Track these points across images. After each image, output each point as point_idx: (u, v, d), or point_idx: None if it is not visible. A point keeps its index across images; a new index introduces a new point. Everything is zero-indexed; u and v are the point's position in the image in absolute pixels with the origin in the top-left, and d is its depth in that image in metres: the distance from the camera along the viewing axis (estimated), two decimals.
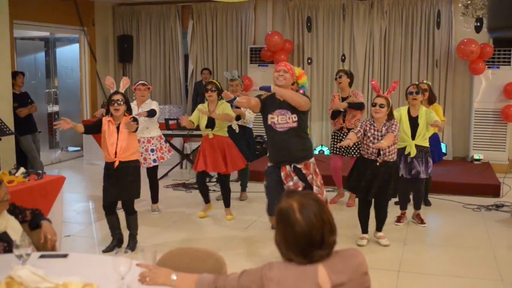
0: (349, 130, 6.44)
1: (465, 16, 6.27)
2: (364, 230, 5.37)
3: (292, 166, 4.58)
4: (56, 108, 10.66)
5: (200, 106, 6.15)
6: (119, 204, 5.19)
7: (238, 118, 6.74)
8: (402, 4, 9.10)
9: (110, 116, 5.03)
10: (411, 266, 4.80)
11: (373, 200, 5.27)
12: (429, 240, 5.67)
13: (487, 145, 8.75)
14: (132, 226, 5.23)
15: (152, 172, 6.35)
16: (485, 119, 8.74)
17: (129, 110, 5.09)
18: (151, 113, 6.08)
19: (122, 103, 4.94)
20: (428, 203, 6.67)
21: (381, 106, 5.02)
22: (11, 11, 7.31)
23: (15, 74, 7.65)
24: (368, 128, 5.12)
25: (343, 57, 9.38)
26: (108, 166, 5.03)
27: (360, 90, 9.26)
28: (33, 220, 3.38)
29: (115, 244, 5.23)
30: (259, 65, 9.71)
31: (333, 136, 6.70)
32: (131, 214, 5.19)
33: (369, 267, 2.09)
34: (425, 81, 6.44)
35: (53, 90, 10.67)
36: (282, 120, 4.53)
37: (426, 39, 9.03)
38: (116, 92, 4.99)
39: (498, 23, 1.50)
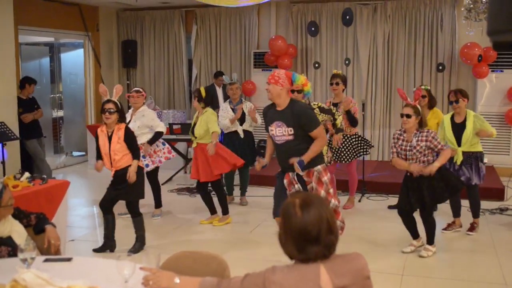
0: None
1: (467, 20, 6.26)
2: (415, 236, 5.21)
3: (295, 173, 4.57)
4: (60, 113, 10.71)
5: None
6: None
7: (242, 122, 6.74)
8: (405, 8, 9.11)
9: (104, 125, 5.07)
10: (414, 270, 4.79)
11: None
12: None
13: (491, 148, 8.71)
14: (137, 228, 5.28)
15: (152, 175, 6.35)
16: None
17: (122, 118, 5.11)
18: (153, 140, 6.18)
19: (113, 112, 4.96)
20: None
21: (407, 116, 4.81)
22: (16, 16, 7.36)
23: (30, 81, 7.68)
24: (396, 140, 4.97)
25: (347, 61, 9.38)
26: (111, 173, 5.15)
27: (364, 94, 9.27)
28: (37, 224, 3.40)
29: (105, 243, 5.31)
30: (263, 70, 9.71)
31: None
32: (135, 216, 5.25)
33: (373, 270, 2.10)
34: (423, 87, 6.23)
35: (57, 95, 10.72)
36: (279, 133, 4.51)
37: (430, 43, 9.03)
38: (108, 101, 5.02)
39: (498, 27, 1.51)
